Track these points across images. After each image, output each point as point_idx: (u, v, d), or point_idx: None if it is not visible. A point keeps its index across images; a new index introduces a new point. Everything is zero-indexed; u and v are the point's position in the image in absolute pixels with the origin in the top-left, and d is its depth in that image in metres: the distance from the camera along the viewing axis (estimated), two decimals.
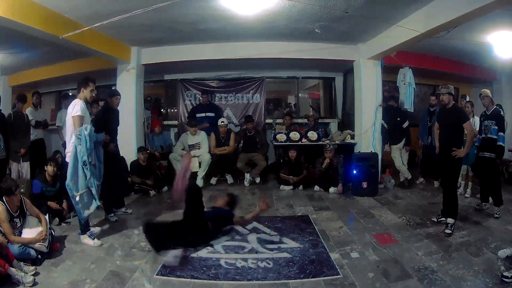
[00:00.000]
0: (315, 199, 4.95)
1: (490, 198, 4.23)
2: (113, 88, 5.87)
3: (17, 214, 2.99)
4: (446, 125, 3.73)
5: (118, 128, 4.22)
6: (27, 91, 5.72)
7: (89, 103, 3.60)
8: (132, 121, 5.65)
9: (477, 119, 4.73)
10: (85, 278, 2.65)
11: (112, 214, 4.02)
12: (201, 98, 6.71)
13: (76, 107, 3.23)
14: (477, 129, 4.39)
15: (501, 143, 4.06)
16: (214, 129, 6.02)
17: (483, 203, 4.27)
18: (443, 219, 3.72)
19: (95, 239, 3.32)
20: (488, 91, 4.22)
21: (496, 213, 3.98)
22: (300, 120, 7.16)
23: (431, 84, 7.45)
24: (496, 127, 4.06)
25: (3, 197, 2.93)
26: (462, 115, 3.65)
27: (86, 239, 3.31)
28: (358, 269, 2.79)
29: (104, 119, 4.02)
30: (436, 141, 4.00)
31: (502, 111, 4.16)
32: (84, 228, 3.35)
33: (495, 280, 2.54)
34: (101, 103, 5.94)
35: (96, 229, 3.52)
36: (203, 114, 6.29)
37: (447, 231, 3.47)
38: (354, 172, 5.13)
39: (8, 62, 5.90)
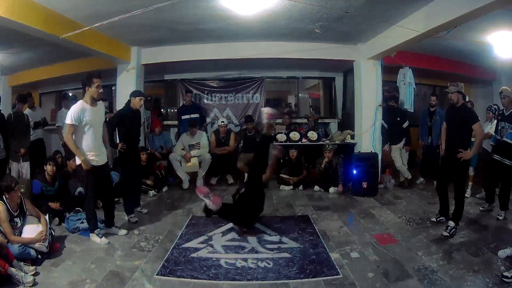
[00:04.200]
0: (315, 199, 4.95)
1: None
2: (113, 88, 5.83)
3: (17, 213, 3.00)
4: (454, 125, 3.59)
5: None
6: (27, 91, 5.72)
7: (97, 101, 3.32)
8: None
9: None
10: (85, 278, 2.65)
11: (133, 215, 4.01)
12: (185, 98, 6.47)
13: (70, 114, 3.11)
14: (485, 131, 4.21)
15: None
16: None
17: (488, 204, 4.19)
18: (442, 218, 3.72)
19: (103, 237, 3.35)
20: (510, 90, 3.86)
21: (499, 215, 3.89)
22: (300, 120, 7.15)
23: (431, 84, 7.45)
24: None
25: (4, 196, 2.94)
26: (471, 116, 3.48)
27: (94, 237, 3.34)
28: (358, 269, 2.79)
29: (122, 122, 3.96)
30: (442, 142, 3.87)
31: None
32: (93, 226, 3.37)
33: (495, 280, 2.54)
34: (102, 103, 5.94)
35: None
36: (188, 116, 6.20)
37: (444, 233, 3.40)
38: (354, 172, 5.12)
39: (8, 62, 5.89)
